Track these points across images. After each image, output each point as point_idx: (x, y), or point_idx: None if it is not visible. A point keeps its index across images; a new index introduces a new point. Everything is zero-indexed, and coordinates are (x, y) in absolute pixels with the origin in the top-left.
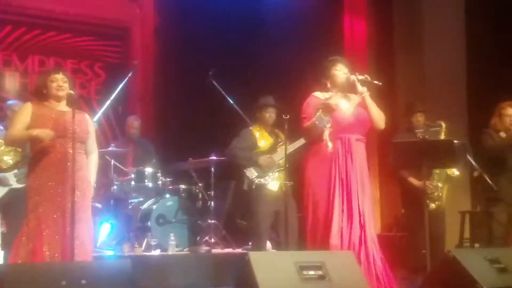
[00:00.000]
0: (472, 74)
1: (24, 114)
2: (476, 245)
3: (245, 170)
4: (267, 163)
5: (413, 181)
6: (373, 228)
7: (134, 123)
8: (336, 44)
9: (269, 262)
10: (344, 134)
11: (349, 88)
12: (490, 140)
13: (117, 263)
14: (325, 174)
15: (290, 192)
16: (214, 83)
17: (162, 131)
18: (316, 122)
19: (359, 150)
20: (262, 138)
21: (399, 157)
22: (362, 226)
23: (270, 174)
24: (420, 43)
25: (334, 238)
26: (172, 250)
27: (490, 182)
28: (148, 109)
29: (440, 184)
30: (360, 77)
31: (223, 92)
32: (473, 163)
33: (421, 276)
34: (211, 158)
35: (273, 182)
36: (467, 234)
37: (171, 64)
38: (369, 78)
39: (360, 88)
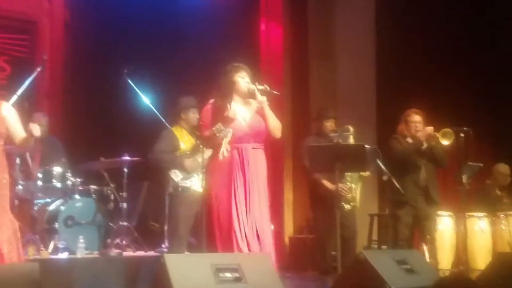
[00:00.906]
0: (381, 81)
1: None
2: (384, 247)
3: (169, 173)
4: (193, 166)
5: (327, 183)
6: (269, 235)
7: (41, 120)
8: (252, 48)
9: (185, 264)
10: (240, 144)
11: (249, 95)
12: (398, 145)
13: (24, 267)
14: (226, 184)
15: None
16: (129, 81)
17: (72, 130)
18: (216, 133)
19: (257, 157)
20: (182, 139)
21: (314, 161)
22: (258, 235)
23: (195, 175)
24: (333, 50)
25: (241, 245)
26: (81, 253)
27: (398, 186)
28: (56, 106)
29: (353, 185)
30: (260, 87)
31: (138, 91)
32: (383, 167)
33: (332, 277)
34: (124, 158)
35: (197, 183)
36: (375, 236)
37: (82, 60)
38: (268, 88)
39: (259, 97)
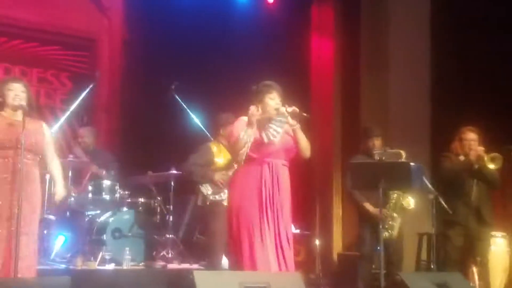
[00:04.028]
0: (436, 99)
1: None
2: (432, 267)
3: (200, 186)
4: (222, 180)
5: (369, 207)
6: (290, 251)
7: (85, 134)
8: (303, 63)
9: (214, 282)
10: (271, 159)
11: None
12: (448, 163)
13: (55, 280)
14: (252, 197)
15: None
16: (176, 96)
17: (123, 143)
18: (241, 136)
19: (285, 175)
20: (220, 154)
21: (356, 178)
22: (281, 249)
23: (226, 190)
24: (385, 66)
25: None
26: (126, 265)
27: (445, 205)
28: (112, 120)
29: (394, 214)
30: (290, 109)
31: (184, 106)
32: (429, 185)
33: None
34: (170, 172)
35: (227, 199)
36: (424, 256)
37: (138, 76)
38: (297, 111)
39: (291, 121)
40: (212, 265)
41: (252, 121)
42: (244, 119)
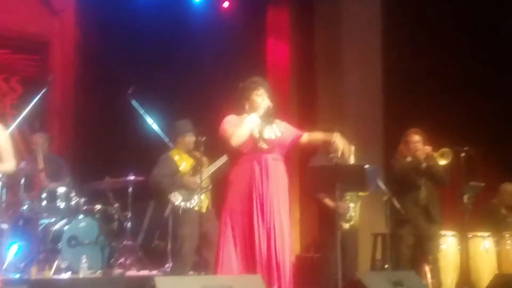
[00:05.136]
0: (389, 98)
1: None
2: (386, 266)
3: (169, 196)
4: (192, 182)
5: (329, 202)
6: (287, 250)
7: (37, 140)
8: (259, 66)
9: (176, 287)
10: (261, 155)
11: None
12: (397, 164)
13: None
14: (245, 196)
15: (213, 213)
16: (133, 101)
17: (79, 149)
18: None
19: (278, 169)
20: (182, 161)
21: (314, 181)
22: (275, 249)
23: (196, 196)
24: (340, 67)
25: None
26: (83, 273)
27: (398, 205)
28: (66, 125)
29: (352, 204)
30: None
31: (141, 112)
32: (383, 187)
33: None
34: (129, 178)
35: (199, 204)
36: (378, 256)
37: (92, 80)
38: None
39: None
40: (179, 271)
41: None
42: (233, 117)
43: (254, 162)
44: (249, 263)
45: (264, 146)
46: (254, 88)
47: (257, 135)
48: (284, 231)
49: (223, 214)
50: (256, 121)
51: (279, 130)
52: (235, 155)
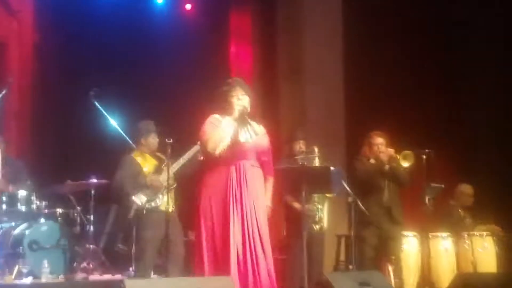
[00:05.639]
0: (350, 101)
1: None
2: (350, 267)
3: (133, 198)
4: (156, 180)
5: (296, 205)
6: (269, 253)
7: None
8: (222, 69)
9: None
10: (239, 161)
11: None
12: (361, 166)
13: None
14: (220, 201)
15: (176, 215)
16: (96, 103)
17: (39, 151)
18: (223, 125)
19: (255, 175)
20: (145, 163)
21: (282, 183)
22: (255, 254)
23: (159, 196)
24: (301, 71)
25: (233, 267)
26: (45, 278)
27: (362, 207)
28: (24, 128)
29: (320, 206)
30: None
31: (104, 113)
32: (347, 189)
33: None
34: (91, 180)
35: (162, 204)
36: (343, 257)
37: (51, 81)
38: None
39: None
40: (142, 274)
41: (237, 117)
42: (215, 117)
43: (231, 167)
44: (220, 265)
45: (241, 148)
46: (229, 89)
47: (232, 138)
48: (264, 235)
49: (196, 216)
50: (231, 125)
51: (256, 132)
52: (211, 158)
